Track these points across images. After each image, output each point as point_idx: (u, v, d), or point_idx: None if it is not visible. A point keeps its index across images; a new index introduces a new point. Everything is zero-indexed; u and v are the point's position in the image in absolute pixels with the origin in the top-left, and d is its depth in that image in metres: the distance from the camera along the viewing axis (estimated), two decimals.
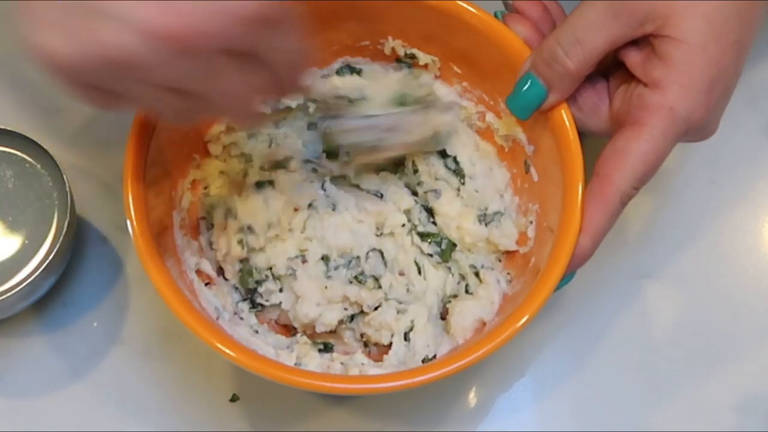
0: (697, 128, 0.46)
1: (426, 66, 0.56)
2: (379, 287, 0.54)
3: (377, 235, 0.56)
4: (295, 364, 0.52)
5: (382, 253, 0.55)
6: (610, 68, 0.49)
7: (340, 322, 0.54)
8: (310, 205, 0.55)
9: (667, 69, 0.45)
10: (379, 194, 0.57)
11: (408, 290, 0.55)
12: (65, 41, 0.36)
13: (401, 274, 0.55)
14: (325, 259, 0.54)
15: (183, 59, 0.36)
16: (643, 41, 0.46)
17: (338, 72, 0.57)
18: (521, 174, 0.55)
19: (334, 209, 0.55)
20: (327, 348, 0.55)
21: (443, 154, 0.57)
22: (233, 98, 0.40)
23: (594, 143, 0.49)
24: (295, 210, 0.55)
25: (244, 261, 0.55)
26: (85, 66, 0.36)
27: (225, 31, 0.36)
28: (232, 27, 0.36)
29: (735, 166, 0.61)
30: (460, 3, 0.51)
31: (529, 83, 0.49)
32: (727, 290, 0.59)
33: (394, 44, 0.55)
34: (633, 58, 0.47)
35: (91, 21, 0.35)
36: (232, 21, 0.36)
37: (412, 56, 0.55)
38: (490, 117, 0.55)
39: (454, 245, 0.56)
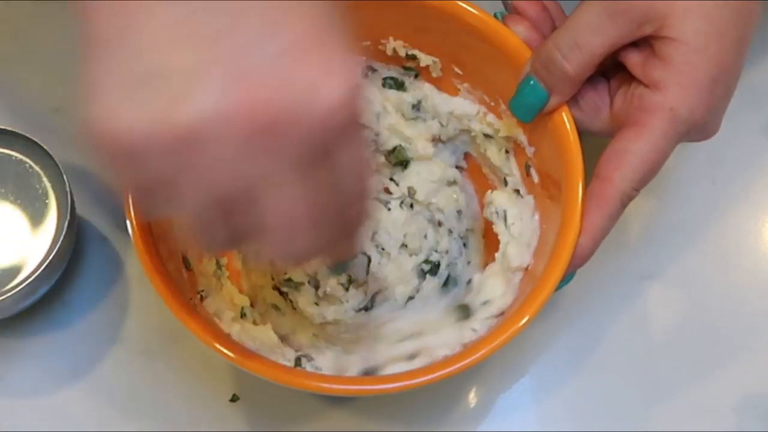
0: (699, 128, 0.46)
1: (427, 67, 0.55)
2: (346, 290, 0.54)
3: (371, 242, 0.55)
4: (297, 354, 0.52)
5: (369, 261, 0.55)
6: (611, 69, 0.49)
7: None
8: None
9: (667, 70, 0.45)
10: (384, 202, 0.57)
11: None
12: (137, 114, 0.32)
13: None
14: None
15: (255, 150, 0.33)
16: (642, 42, 0.46)
17: None
18: (522, 176, 0.55)
19: None
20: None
21: None
22: (289, 217, 0.35)
23: (594, 144, 0.49)
24: None
25: None
26: (155, 143, 0.32)
27: (312, 126, 0.33)
28: (321, 123, 0.33)
29: (735, 166, 0.61)
30: (460, 3, 0.51)
31: (530, 86, 0.48)
32: (728, 290, 0.59)
33: (395, 45, 0.55)
34: (633, 60, 0.47)
35: (168, 92, 0.32)
36: (323, 116, 0.33)
37: (414, 57, 0.55)
38: (490, 118, 0.55)
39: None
